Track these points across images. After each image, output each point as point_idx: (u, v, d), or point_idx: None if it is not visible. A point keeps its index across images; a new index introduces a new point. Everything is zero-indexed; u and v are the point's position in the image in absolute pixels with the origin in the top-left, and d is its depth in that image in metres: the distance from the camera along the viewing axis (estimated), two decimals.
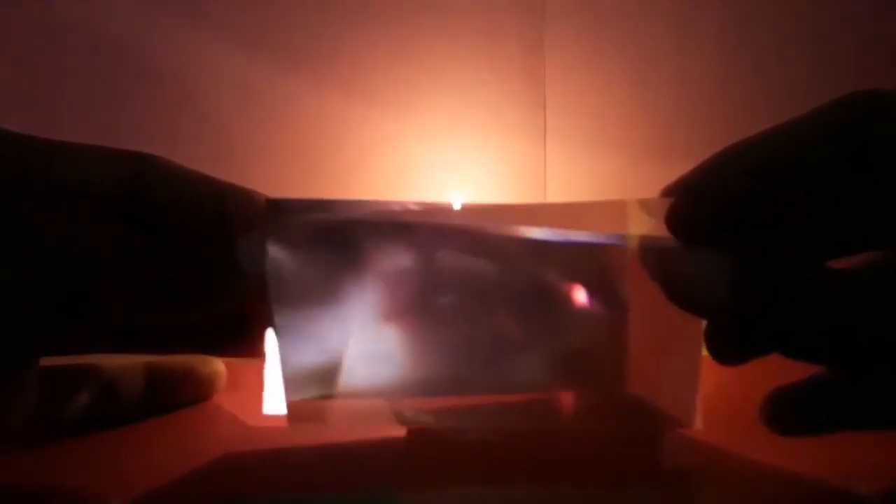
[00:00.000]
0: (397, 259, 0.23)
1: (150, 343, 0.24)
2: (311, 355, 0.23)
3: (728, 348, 0.21)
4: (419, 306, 0.23)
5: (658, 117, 0.45)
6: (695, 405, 0.23)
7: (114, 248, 0.19)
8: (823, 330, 0.19)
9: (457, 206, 0.23)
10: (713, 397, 0.24)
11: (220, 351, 0.26)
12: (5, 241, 0.18)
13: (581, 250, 0.23)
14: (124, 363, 0.26)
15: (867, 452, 0.23)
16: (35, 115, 0.42)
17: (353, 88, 0.44)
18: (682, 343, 0.23)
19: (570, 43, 0.44)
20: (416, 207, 0.23)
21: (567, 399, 0.24)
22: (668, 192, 0.21)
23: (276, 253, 0.22)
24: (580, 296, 0.23)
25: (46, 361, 0.21)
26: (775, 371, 0.21)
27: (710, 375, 0.24)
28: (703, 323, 0.22)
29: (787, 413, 0.21)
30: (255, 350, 0.24)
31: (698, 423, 0.23)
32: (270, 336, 0.24)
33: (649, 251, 0.21)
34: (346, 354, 0.23)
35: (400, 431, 0.26)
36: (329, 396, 0.23)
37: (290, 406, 0.23)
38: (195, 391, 0.29)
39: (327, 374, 0.23)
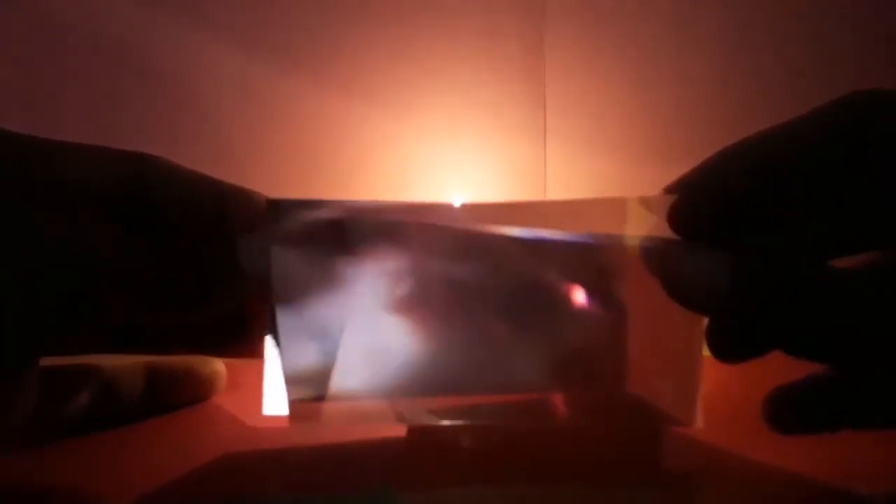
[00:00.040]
0: (397, 259, 0.23)
1: (150, 343, 0.24)
2: (312, 355, 0.23)
3: (729, 346, 0.21)
4: (418, 307, 0.23)
5: (658, 117, 0.45)
6: (695, 404, 0.23)
7: (114, 248, 0.19)
8: (824, 328, 0.19)
9: (457, 206, 0.23)
10: (713, 397, 0.24)
11: (220, 351, 0.26)
12: (5, 241, 0.18)
13: (580, 250, 0.23)
14: (124, 363, 0.26)
15: (867, 452, 0.23)
16: (35, 115, 0.42)
17: (353, 88, 0.44)
18: (682, 341, 0.23)
19: (570, 43, 0.44)
20: (416, 208, 0.23)
21: (567, 399, 0.24)
22: (670, 190, 0.21)
23: (278, 253, 0.22)
24: (579, 296, 0.23)
25: (46, 361, 0.21)
26: (776, 371, 0.21)
27: (711, 375, 0.24)
28: (704, 322, 0.22)
29: (787, 412, 0.21)
30: (255, 350, 0.24)
31: (699, 422, 0.23)
32: (270, 336, 0.24)
33: (651, 249, 0.21)
34: (345, 354, 0.23)
35: (400, 431, 0.26)
36: (329, 396, 0.23)
37: (290, 406, 0.23)
38: (195, 391, 0.29)
39: (328, 374, 0.23)
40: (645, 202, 0.22)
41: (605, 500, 0.21)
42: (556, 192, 0.45)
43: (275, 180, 0.43)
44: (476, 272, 0.23)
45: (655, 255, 0.21)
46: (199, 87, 0.43)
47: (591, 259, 0.23)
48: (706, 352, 0.22)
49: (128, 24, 0.42)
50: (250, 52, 0.43)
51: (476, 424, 0.26)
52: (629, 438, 0.26)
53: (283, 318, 0.22)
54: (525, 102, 0.45)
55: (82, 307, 0.19)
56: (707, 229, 0.20)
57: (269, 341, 0.24)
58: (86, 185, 0.19)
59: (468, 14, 0.44)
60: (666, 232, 0.21)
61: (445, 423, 0.24)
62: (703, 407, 0.23)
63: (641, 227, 0.22)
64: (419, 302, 0.23)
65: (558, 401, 0.25)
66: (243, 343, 0.25)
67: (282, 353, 0.22)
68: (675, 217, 0.20)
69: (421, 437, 0.26)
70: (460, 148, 0.44)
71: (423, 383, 0.23)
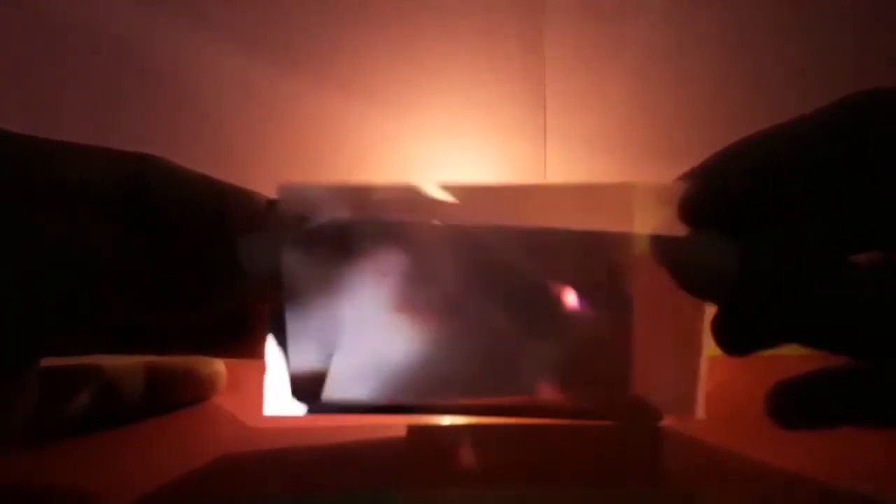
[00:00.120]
0: (400, 260, 0.23)
1: (150, 343, 0.24)
2: (316, 355, 0.23)
3: (735, 338, 0.21)
4: (422, 307, 0.23)
5: (658, 117, 0.45)
6: (696, 395, 0.23)
7: (114, 248, 0.19)
8: (834, 317, 0.19)
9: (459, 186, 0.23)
10: (714, 397, 0.24)
11: (220, 351, 0.26)
12: (5, 241, 0.18)
13: (585, 245, 0.23)
14: (124, 363, 0.26)
15: (868, 452, 0.23)
16: (35, 115, 0.42)
17: (353, 88, 0.44)
18: (683, 332, 0.23)
19: (570, 43, 0.44)
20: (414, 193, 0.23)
21: (568, 398, 0.24)
22: (682, 179, 0.21)
23: (288, 252, 0.22)
24: (584, 292, 0.23)
25: (46, 361, 0.21)
26: (776, 371, 0.21)
27: (711, 375, 0.24)
28: (705, 313, 0.22)
29: (789, 405, 0.21)
30: (255, 350, 0.24)
31: (700, 413, 0.23)
32: (270, 337, 0.24)
33: (660, 238, 0.21)
34: (348, 355, 0.23)
35: (400, 431, 0.26)
36: (332, 396, 0.23)
37: (294, 403, 0.23)
38: (195, 391, 0.29)
39: (332, 374, 0.23)
40: (653, 189, 0.22)
41: (605, 500, 0.21)
42: None
43: (275, 180, 0.43)
44: (480, 270, 0.23)
45: (665, 244, 0.21)
46: (199, 87, 0.43)
47: (597, 254, 0.23)
48: (709, 351, 0.22)
49: (128, 24, 0.42)
50: (250, 52, 0.43)
51: (476, 424, 0.26)
52: (629, 438, 0.26)
53: (291, 319, 0.22)
54: (525, 102, 0.44)
55: (82, 307, 0.19)
56: (717, 218, 0.20)
57: (270, 341, 0.24)
58: (86, 185, 0.19)
59: (468, 14, 0.44)
60: (673, 220, 0.21)
61: (449, 400, 0.24)
62: (704, 398, 0.23)
63: (648, 214, 0.22)
64: (422, 302, 0.23)
65: (560, 399, 0.25)
66: (243, 343, 0.25)
67: (288, 352, 0.22)
68: (687, 205, 0.20)
69: (421, 437, 0.26)
70: (460, 148, 0.44)
71: (426, 384, 0.23)
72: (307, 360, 0.23)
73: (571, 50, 0.44)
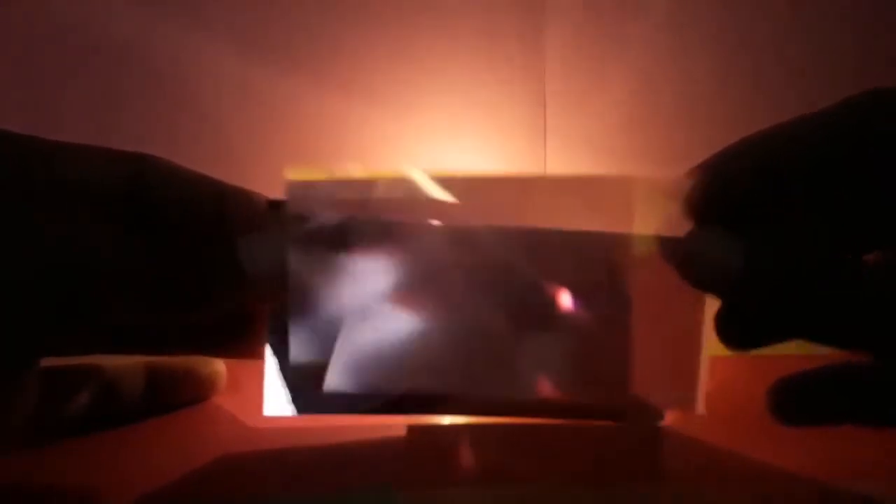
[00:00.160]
0: (399, 259, 0.23)
1: (150, 343, 0.24)
2: (317, 353, 0.23)
3: (739, 333, 0.21)
4: (420, 306, 0.23)
5: (658, 117, 0.45)
6: (695, 390, 0.23)
7: (114, 248, 0.19)
8: (838, 312, 0.19)
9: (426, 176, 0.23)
10: (714, 397, 0.24)
11: (220, 351, 0.26)
12: (5, 241, 0.18)
13: (584, 247, 0.23)
14: (124, 363, 0.26)
15: (868, 452, 0.23)
16: (35, 115, 0.42)
17: (353, 88, 0.44)
18: (682, 328, 0.23)
19: (570, 43, 0.44)
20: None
21: (568, 396, 0.24)
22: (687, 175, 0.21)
23: (288, 252, 0.22)
24: (584, 293, 0.23)
25: (46, 361, 0.21)
26: (777, 370, 0.21)
27: (712, 375, 0.24)
28: (705, 308, 0.22)
29: (791, 402, 0.21)
30: (255, 350, 0.24)
31: (700, 409, 0.23)
32: (270, 337, 0.24)
33: (667, 237, 0.21)
34: (346, 350, 0.23)
35: (400, 431, 0.26)
36: (331, 389, 0.23)
37: (294, 403, 0.23)
38: (195, 391, 0.29)
39: (329, 364, 0.23)
40: (655, 184, 0.22)
41: (605, 499, 0.21)
42: None
43: (275, 180, 0.43)
44: (480, 271, 0.23)
45: (669, 239, 0.21)
46: (199, 87, 0.43)
47: (597, 254, 0.23)
48: (711, 351, 0.22)
49: (128, 24, 0.42)
50: (250, 52, 0.43)
51: (476, 424, 0.26)
52: (629, 438, 0.26)
53: (292, 319, 0.22)
54: (525, 102, 0.44)
55: (82, 307, 0.19)
56: (722, 213, 0.20)
57: (270, 341, 0.24)
58: (86, 185, 0.19)
59: (468, 14, 0.44)
60: (674, 215, 0.21)
61: (450, 389, 0.24)
62: (705, 394, 0.23)
63: (648, 208, 0.22)
64: (423, 302, 0.23)
65: (560, 399, 0.25)
66: (243, 343, 0.25)
67: (288, 352, 0.23)
68: (692, 199, 0.20)
69: (421, 437, 0.26)
70: (460, 148, 0.44)
71: (426, 374, 0.23)
72: (307, 360, 0.23)
73: (571, 50, 0.44)
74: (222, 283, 0.21)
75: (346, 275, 0.23)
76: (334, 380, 0.23)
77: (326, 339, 0.23)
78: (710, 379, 0.23)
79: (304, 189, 0.22)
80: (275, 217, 0.22)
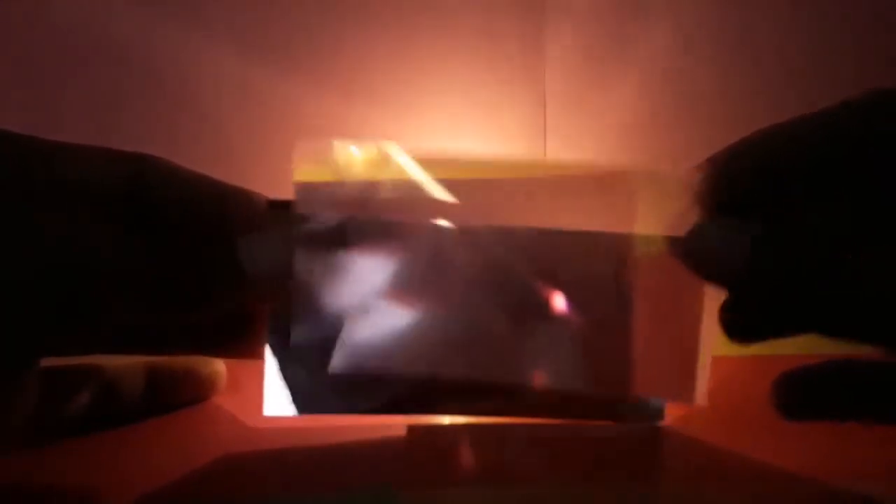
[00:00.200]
0: (403, 260, 0.23)
1: (150, 343, 0.24)
2: (315, 351, 0.23)
3: (743, 325, 0.21)
4: (422, 303, 0.23)
5: (658, 117, 0.45)
6: (694, 381, 0.23)
7: (114, 248, 0.19)
8: (847, 305, 0.19)
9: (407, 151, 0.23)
10: (714, 396, 0.24)
11: (220, 351, 0.26)
12: (5, 241, 0.18)
13: (587, 247, 0.23)
14: (124, 363, 0.26)
15: (868, 452, 0.23)
16: (35, 115, 0.42)
17: (353, 88, 0.44)
18: (680, 323, 0.23)
19: (570, 43, 0.44)
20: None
21: (569, 395, 0.24)
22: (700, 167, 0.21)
23: (290, 252, 0.22)
24: (585, 294, 0.23)
25: (46, 361, 0.21)
26: (776, 370, 0.21)
27: (712, 375, 0.24)
28: (704, 304, 0.22)
29: (794, 396, 0.21)
30: (255, 350, 0.24)
31: (699, 399, 0.23)
32: (271, 337, 0.24)
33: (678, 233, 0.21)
34: (350, 335, 0.23)
35: (400, 431, 0.26)
36: (339, 363, 0.23)
37: (294, 403, 0.23)
38: (195, 391, 0.29)
39: (328, 367, 0.23)
40: (658, 175, 0.22)
41: (605, 500, 0.21)
42: None
43: (275, 180, 0.43)
44: (485, 271, 0.23)
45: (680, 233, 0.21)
46: (199, 87, 0.43)
47: (600, 255, 0.23)
48: (713, 351, 0.22)
49: (128, 24, 0.42)
50: (250, 52, 0.43)
51: (476, 424, 0.26)
52: (629, 438, 0.26)
53: (296, 316, 0.22)
54: (525, 102, 0.44)
55: (82, 307, 0.19)
56: (732, 205, 0.20)
57: (270, 341, 0.24)
58: (86, 185, 0.19)
59: (468, 14, 0.44)
60: (679, 208, 0.21)
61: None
62: (707, 387, 0.23)
63: (652, 200, 0.22)
64: (425, 299, 0.23)
65: (560, 399, 0.25)
66: (243, 343, 0.25)
67: (288, 352, 0.23)
68: (703, 190, 0.20)
69: (421, 437, 0.26)
70: (460, 148, 0.44)
71: (426, 365, 0.23)
72: (308, 360, 0.23)
73: (571, 50, 0.44)
74: (222, 283, 0.21)
75: (348, 274, 0.23)
76: (339, 362, 0.23)
77: (327, 339, 0.23)
78: (712, 377, 0.23)
79: (311, 191, 0.22)
80: (275, 217, 0.22)
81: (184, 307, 0.21)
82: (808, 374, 0.21)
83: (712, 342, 0.23)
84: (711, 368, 0.23)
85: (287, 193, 0.23)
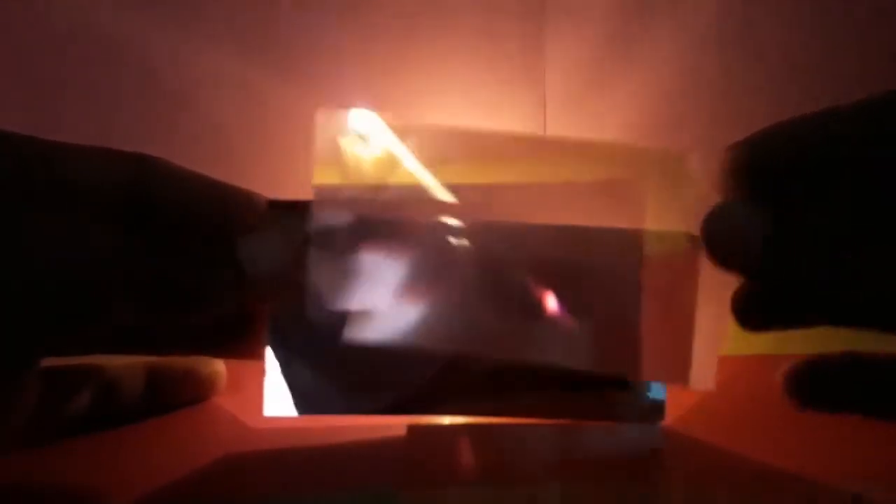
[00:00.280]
0: (412, 258, 0.23)
1: (150, 343, 0.24)
2: (316, 351, 0.23)
3: (757, 312, 0.21)
4: (432, 294, 0.23)
5: (658, 117, 0.45)
6: (689, 363, 0.23)
7: (114, 249, 0.19)
8: (861, 294, 0.19)
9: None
10: (714, 397, 0.24)
11: (220, 351, 0.26)
12: (5, 242, 0.18)
13: (596, 236, 0.23)
14: (124, 363, 0.26)
15: (867, 452, 0.23)
16: (35, 115, 0.42)
17: (353, 88, 0.44)
18: (676, 311, 0.23)
19: (570, 43, 0.44)
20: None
21: (569, 395, 0.24)
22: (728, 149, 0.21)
23: (292, 253, 0.22)
24: (592, 292, 0.24)
25: (46, 361, 0.21)
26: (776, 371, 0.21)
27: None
28: (697, 285, 0.22)
29: (805, 384, 0.21)
30: (255, 350, 0.24)
31: (708, 384, 0.23)
32: (271, 337, 0.24)
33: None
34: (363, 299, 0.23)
35: (400, 431, 0.26)
36: (350, 335, 0.23)
37: (294, 404, 0.23)
38: (195, 391, 0.29)
39: (327, 368, 0.23)
40: (669, 154, 0.22)
41: (605, 500, 0.21)
42: None
43: (275, 180, 0.43)
44: (490, 258, 0.23)
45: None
46: (199, 87, 0.43)
47: (607, 244, 0.23)
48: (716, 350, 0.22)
49: (128, 24, 0.42)
50: (250, 52, 0.43)
51: (476, 424, 0.26)
52: (629, 438, 0.26)
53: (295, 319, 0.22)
54: (525, 102, 0.44)
55: (82, 307, 0.19)
56: (757, 187, 0.20)
57: (270, 342, 0.24)
58: (86, 185, 0.19)
59: (468, 14, 0.44)
60: (690, 189, 0.21)
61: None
62: (717, 371, 0.23)
63: (667, 180, 0.22)
64: (433, 296, 0.23)
65: (561, 399, 0.25)
66: (243, 343, 0.25)
67: (288, 352, 0.23)
68: (730, 170, 0.20)
69: (421, 437, 0.26)
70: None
71: (439, 339, 0.23)
72: (307, 360, 0.23)
73: (571, 50, 0.44)
74: (222, 283, 0.21)
75: (358, 274, 0.23)
76: (354, 331, 0.23)
77: (328, 339, 0.23)
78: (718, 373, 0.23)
79: (329, 192, 0.23)
80: (275, 217, 0.22)
81: (184, 307, 0.21)
82: (823, 364, 0.20)
83: (721, 331, 0.23)
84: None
85: (287, 194, 0.23)
